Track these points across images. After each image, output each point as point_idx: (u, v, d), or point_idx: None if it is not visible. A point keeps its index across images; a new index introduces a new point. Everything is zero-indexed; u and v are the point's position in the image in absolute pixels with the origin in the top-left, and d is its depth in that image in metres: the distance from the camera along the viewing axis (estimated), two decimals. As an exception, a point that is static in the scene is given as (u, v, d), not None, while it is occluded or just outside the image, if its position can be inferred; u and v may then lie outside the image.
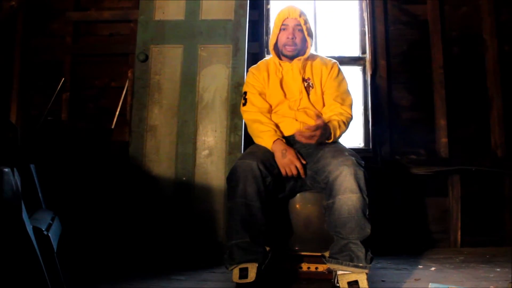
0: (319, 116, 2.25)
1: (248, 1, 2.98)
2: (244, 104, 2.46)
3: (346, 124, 2.35)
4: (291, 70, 2.44)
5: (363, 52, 3.58)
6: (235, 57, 2.89)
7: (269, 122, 2.35)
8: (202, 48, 2.93)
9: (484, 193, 3.34)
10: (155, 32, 2.98)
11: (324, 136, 2.20)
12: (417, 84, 3.46)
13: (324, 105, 2.43)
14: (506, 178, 3.32)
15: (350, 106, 2.41)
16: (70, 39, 3.53)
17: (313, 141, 2.15)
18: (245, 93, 2.48)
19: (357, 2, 3.66)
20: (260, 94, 2.44)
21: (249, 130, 2.45)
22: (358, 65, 3.56)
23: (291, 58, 2.44)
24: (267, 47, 3.47)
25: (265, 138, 2.30)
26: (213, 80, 2.90)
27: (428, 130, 3.42)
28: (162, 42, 2.97)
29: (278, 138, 2.27)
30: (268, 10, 3.59)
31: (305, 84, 2.42)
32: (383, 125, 3.40)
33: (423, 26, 3.50)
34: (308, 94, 2.41)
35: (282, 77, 2.45)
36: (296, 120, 2.36)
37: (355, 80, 3.54)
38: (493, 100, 3.39)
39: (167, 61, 2.96)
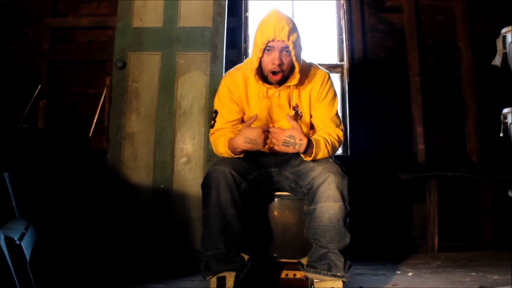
0: (291, 117, 2.06)
1: (226, 9, 2.98)
2: (212, 126, 2.23)
3: (333, 147, 2.10)
4: (278, 97, 2.16)
5: (341, 59, 3.62)
6: (213, 64, 2.89)
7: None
8: (180, 55, 2.93)
9: (461, 198, 3.40)
10: (133, 39, 2.96)
11: (298, 146, 2.00)
12: (394, 91, 3.51)
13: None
14: (481, 183, 3.37)
15: (343, 130, 2.20)
16: (47, 45, 3.50)
17: (287, 150, 2.00)
18: (216, 113, 2.23)
19: (335, 10, 3.70)
20: (232, 121, 2.20)
21: (214, 150, 2.25)
22: (336, 72, 3.60)
23: (278, 84, 2.13)
24: (245, 54, 3.48)
25: (221, 144, 2.13)
26: (191, 87, 2.90)
27: (405, 137, 3.47)
28: (140, 49, 2.95)
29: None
30: (246, 17, 3.60)
31: (293, 112, 2.17)
32: (361, 132, 3.44)
33: (400, 34, 3.56)
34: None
35: (270, 104, 2.17)
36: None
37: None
38: (468, 107, 3.45)
39: (145, 68, 2.94)
